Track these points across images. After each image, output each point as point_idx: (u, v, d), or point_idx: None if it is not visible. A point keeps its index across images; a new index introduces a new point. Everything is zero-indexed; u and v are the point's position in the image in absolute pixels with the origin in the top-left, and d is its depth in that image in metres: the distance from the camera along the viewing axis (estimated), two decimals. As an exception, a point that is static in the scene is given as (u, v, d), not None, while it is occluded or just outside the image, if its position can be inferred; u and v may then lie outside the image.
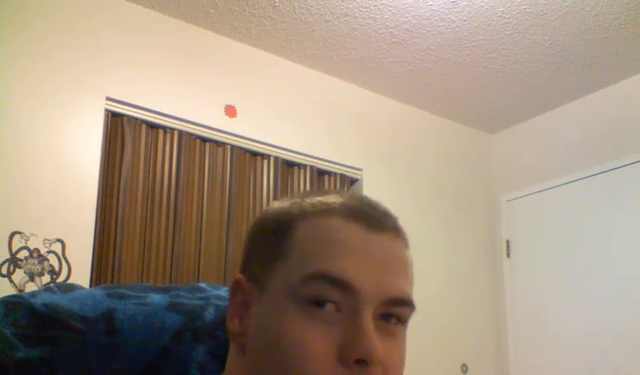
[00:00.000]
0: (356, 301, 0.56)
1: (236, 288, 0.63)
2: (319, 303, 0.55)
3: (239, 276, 0.64)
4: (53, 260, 2.21)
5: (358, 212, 0.60)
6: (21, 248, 2.16)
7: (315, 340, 0.54)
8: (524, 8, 2.60)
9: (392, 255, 0.60)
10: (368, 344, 0.54)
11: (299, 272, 0.57)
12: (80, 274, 2.24)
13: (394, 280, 0.58)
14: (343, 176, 3.10)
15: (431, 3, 2.58)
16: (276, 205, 0.66)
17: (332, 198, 0.62)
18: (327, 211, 0.60)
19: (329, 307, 0.55)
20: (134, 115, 2.51)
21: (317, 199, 0.62)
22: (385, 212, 0.63)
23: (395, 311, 0.59)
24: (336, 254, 0.57)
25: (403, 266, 0.61)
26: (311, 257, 0.57)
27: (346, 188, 3.11)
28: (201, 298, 0.71)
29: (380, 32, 2.77)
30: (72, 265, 2.24)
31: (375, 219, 0.60)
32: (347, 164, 3.10)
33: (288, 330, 0.55)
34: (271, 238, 0.62)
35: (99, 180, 2.36)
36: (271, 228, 0.63)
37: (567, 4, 2.57)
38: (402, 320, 0.60)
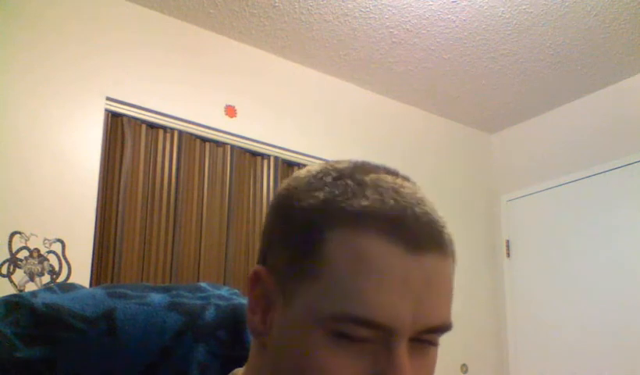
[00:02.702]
0: (390, 336, 0.51)
1: (255, 281, 0.58)
2: (348, 337, 0.51)
3: (259, 268, 0.58)
4: (53, 260, 2.21)
5: (400, 225, 0.52)
6: (21, 248, 2.16)
7: (344, 369, 0.51)
8: (524, 8, 2.60)
9: (435, 280, 0.53)
10: None
11: (329, 305, 0.52)
12: (80, 274, 2.24)
13: (434, 309, 0.53)
14: (343, 176, 3.10)
15: (431, 3, 2.58)
16: (305, 184, 0.57)
17: (373, 198, 0.53)
18: (364, 222, 0.52)
19: (359, 340, 0.52)
20: (134, 115, 2.51)
21: (355, 201, 0.53)
22: (431, 223, 0.54)
23: (429, 338, 0.54)
24: (369, 289, 0.51)
25: (445, 290, 0.54)
26: (342, 289, 0.51)
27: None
28: (202, 298, 0.71)
29: (380, 32, 2.77)
30: (72, 265, 2.24)
31: (418, 237, 0.52)
32: (347, 164, 3.10)
33: (314, 356, 0.52)
34: (298, 239, 0.55)
35: (99, 180, 2.36)
36: (299, 224, 0.55)
37: (567, 4, 2.57)
38: (435, 343, 0.56)
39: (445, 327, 0.54)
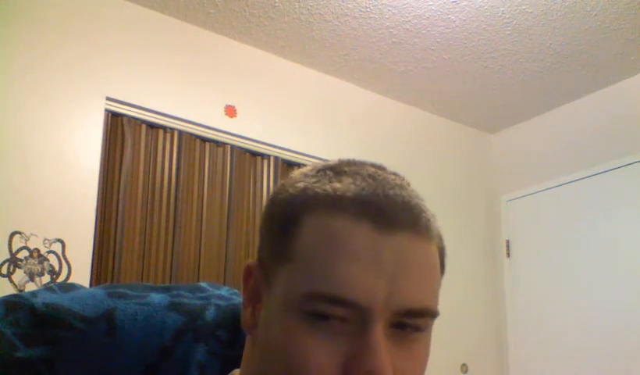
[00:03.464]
0: (364, 316, 0.51)
1: (247, 275, 0.60)
2: (323, 317, 0.51)
3: (250, 262, 0.60)
4: (53, 260, 2.21)
5: (369, 206, 0.53)
6: (21, 248, 2.16)
7: (319, 352, 0.51)
8: (524, 9, 2.60)
9: (409, 259, 0.52)
10: (377, 363, 0.49)
11: (300, 285, 0.52)
12: (80, 274, 2.24)
13: (410, 290, 0.52)
14: (343, 176, 3.10)
15: (431, 3, 2.58)
16: (291, 182, 0.59)
17: (347, 182, 0.54)
18: (336, 205, 0.53)
19: (334, 320, 0.51)
20: (134, 115, 2.51)
21: (329, 186, 0.55)
22: (404, 203, 0.54)
23: (410, 322, 0.53)
24: (340, 267, 0.51)
25: (424, 272, 0.53)
26: (314, 269, 0.52)
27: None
28: (202, 298, 0.71)
29: (380, 32, 2.77)
30: (72, 265, 2.24)
31: (387, 216, 0.52)
32: (347, 164, 3.10)
33: (290, 340, 0.52)
34: (278, 228, 0.57)
35: (99, 180, 2.36)
36: (279, 216, 0.57)
37: (567, 4, 2.57)
38: (420, 329, 0.54)
39: (427, 311, 0.53)
